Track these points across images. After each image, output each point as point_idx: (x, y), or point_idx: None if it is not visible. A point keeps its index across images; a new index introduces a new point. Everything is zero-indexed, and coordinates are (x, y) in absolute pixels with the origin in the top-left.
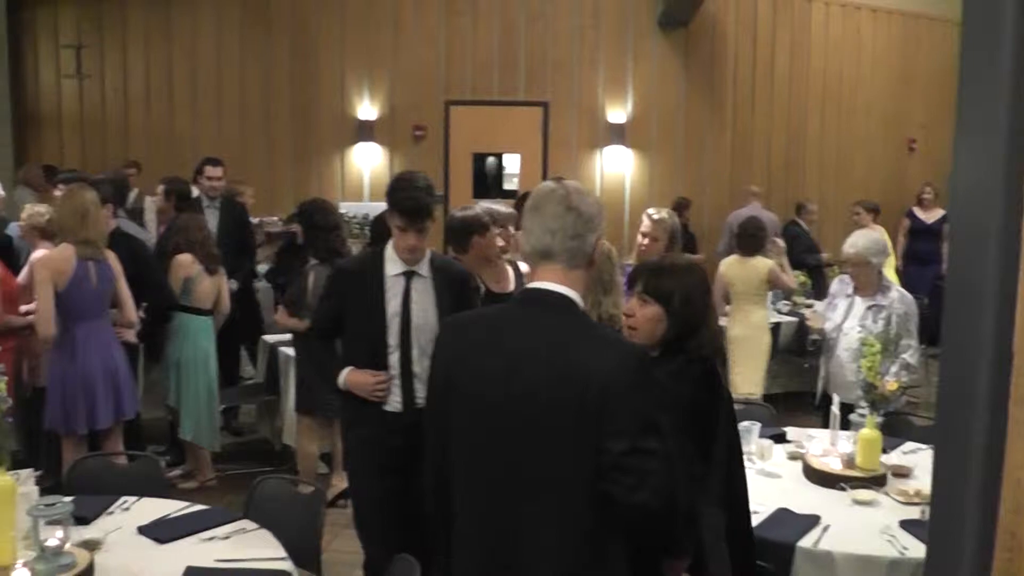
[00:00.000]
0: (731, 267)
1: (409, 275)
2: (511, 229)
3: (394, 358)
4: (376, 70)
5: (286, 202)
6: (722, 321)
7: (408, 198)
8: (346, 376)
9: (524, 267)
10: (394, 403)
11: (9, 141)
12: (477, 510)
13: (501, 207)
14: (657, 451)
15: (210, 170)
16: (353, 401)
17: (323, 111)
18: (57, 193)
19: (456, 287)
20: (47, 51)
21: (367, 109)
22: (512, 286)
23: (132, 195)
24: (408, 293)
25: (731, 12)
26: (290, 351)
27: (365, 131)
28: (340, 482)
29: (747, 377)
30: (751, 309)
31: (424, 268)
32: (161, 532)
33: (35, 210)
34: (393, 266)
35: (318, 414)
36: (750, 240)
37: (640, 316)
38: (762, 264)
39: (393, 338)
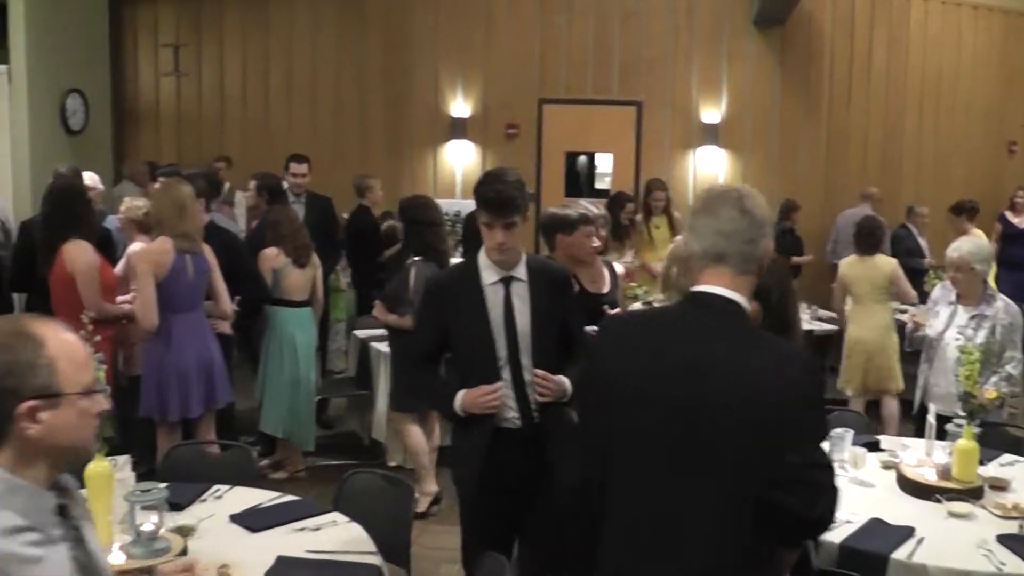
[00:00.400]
0: (852, 267)
1: (507, 281)
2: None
3: (505, 372)
4: (470, 67)
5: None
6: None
7: (492, 190)
8: (462, 400)
9: (620, 268)
10: (511, 419)
11: (109, 137)
12: (636, 510)
13: (593, 207)
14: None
15: (294, 167)
16: (464, 422)
17: (416, 108)
18: (155, 187)
19: (555, 289)
20: (146, 50)
21: (460, 106)
22: (607, 287)
23: (224, 189)
24: (509, 300)
25: (828, 9)
26: (382, 347)
27: (458, 128)
28: (429, 487)
29: (883, 375)
30: (875, 309)
31: (521, 271)
32: (253, 521)
33: (133, 204)
34: (489, 274)
35: (405, 410)
36: (868, 238)
37: None
38: (884, 263)
39: (502, 350)
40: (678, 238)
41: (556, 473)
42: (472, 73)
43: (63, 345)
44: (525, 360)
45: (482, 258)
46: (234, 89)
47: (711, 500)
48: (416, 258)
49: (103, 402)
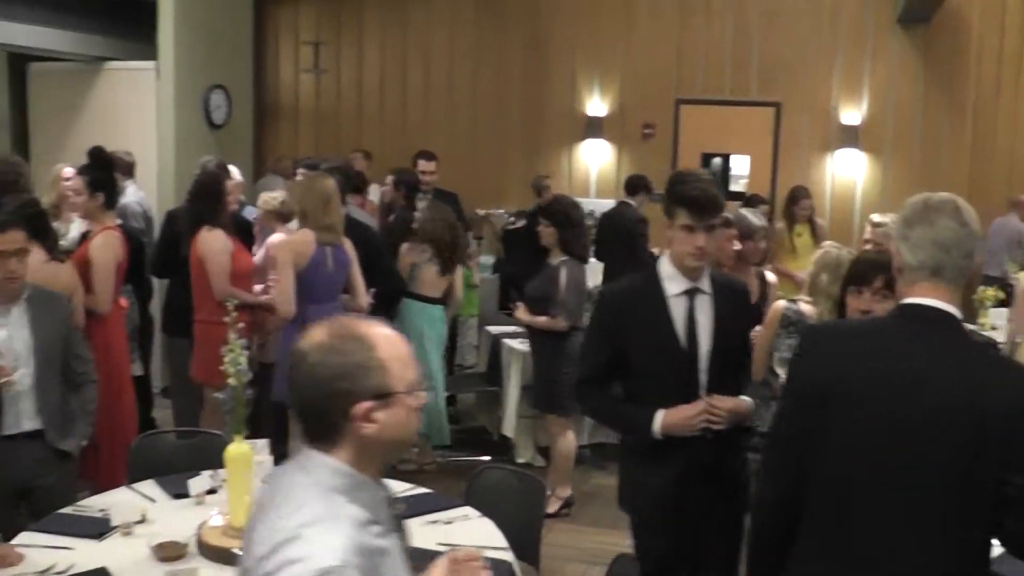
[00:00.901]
0: None
1: (692, 293)
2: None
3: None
4: (607, 66)
5: (514, 196)
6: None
7: (696, 188)
8: (663, 421)
9: (771, 277)
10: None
11: (250, 131)
12: (847, 524)
13: (755, 218)
14: None
15: (423, 164)
16: (657, 447)
17: (553, 106)
18: (297, 179)
19: (738, 305)
20: (287, 47)
21: (597, 105)
22: (756, 296)
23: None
24: (692, 314)
25: (976, 5)
26: (514, 343)
27: (594, 127)
28: (563, 491)
29: None
30: None
31: (705, 283)
32: None
33: (270, 195)
34: (674, 284)
35: (560, 413)
36: None
37: (882, 312)
38: None
39: (703, 362)
40: (826, 244)
41: (740, 498)
42: (610, 72)
43: (391, 346)
44: (703, 379)
45: (665, 267)
46: (372, 86)
47: (930, 514)
48: (564, 258)
49: (423, 397)
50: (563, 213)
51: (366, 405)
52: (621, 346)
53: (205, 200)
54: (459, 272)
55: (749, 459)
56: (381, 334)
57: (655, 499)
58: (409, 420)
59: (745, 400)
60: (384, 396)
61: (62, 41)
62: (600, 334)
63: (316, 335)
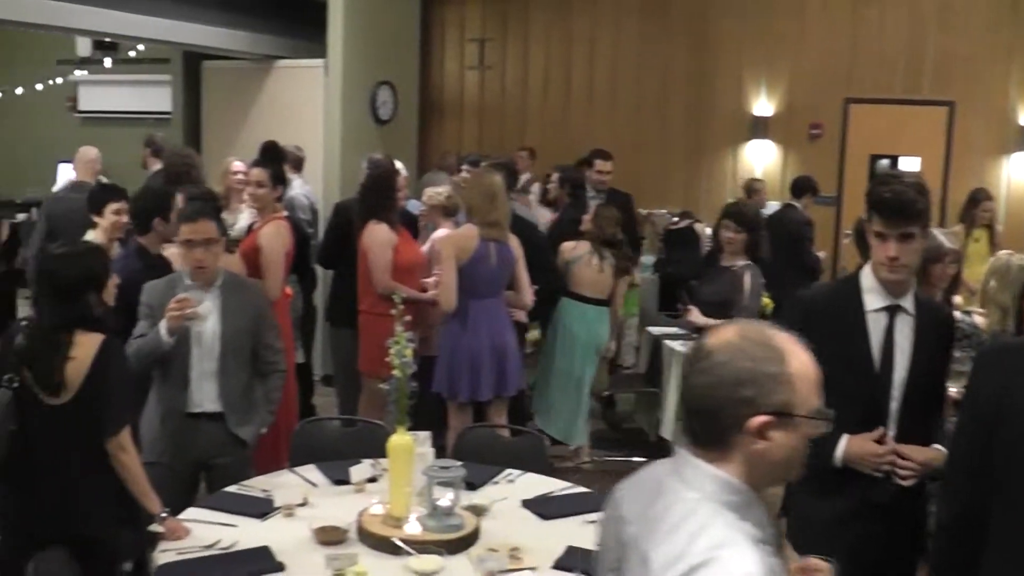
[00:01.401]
0: None
1: (893, 310)
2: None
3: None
4: (775, 64)
5: (675, 196)
6: None
7: (889, 189)
8: (845, 448)
9: (958, 313)
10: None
11: (415, 127)
12: None
13: (945, 239)
14: None
15: (600, 164)
16: (831, 477)
17: (718, 106)
18: (463, 175)
19: (941, 332)
20: (453, 44)
21: (763, 105)
22: None
23: (524, 179)
24: (891, 335)
25: None
26: (675, 345)
27: (759, 128)
28: None
29: None
30: None
31: (908, 301)
32: (545, 508)
33: (435, 190)
34: (874, 298)
35: None
36: None
37: None
38: None
39: (896, 389)
40: (1001, 252)
41: (917, 544)
42: (777, 70)
43: (802, 364)
44: (893, 407)
45: (866, 277)
46: (536, 84)
47: None
48: (747, 262)
49: (822, 428)
50: (755, 217)
51: (763, 419)
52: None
53: (376, 194)
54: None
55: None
56: (794, 349)
57: (818, 537)
58: (799, 449)
59: (938, 451)
60: (785, 415)
61: (235, 41)
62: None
63: (725, 333)
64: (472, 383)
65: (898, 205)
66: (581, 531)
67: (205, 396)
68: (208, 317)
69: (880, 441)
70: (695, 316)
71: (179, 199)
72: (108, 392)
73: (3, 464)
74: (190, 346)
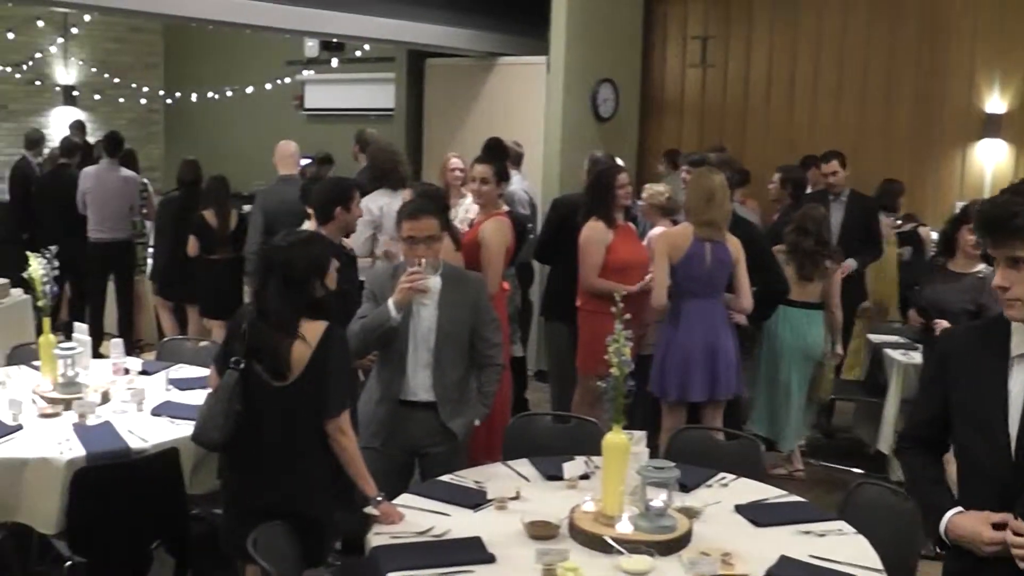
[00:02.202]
0: None
1: None
2: None
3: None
4: (1011, 57)
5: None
6: None
7: (988, 202)
8: (949, 522)
9: None
10: None
11: (635, 125)
12: None
13: None
14: None
15: (833, 164)
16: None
17: (948, 103)
18: (683, 175)
19: None
20: (675, 42)
21: (996, 102)
22: None
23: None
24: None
25: None
26: (896, 354)
27: (991, 126)
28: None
29: None
30: None
31: None
32: (758, 515)
33: (654, 189)
34: (1019, 339)
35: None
36: None
37: None
38: None
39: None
40: None
41: None
42: (1014, 64)
43: None
44: None
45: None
46: (759, 82)
47: None
48: (987, 268)
49: None
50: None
51: None
52: (949, 399)
53: (598, 192)
54: (834, 276)
55: None
56: None
57: None
58: None
59: None
60: None
61: (459, 39)
62: (932, 381)
63: None
64: (682, 383)
65: (991, 219)
66: (795, 541)
67: (419, 385)
68: (435, 293)
69: (1001, 526)
70: (912, 317)
71: (407, 195)
72: (329, 376)
73: (230, 441)
74: (408, 334)
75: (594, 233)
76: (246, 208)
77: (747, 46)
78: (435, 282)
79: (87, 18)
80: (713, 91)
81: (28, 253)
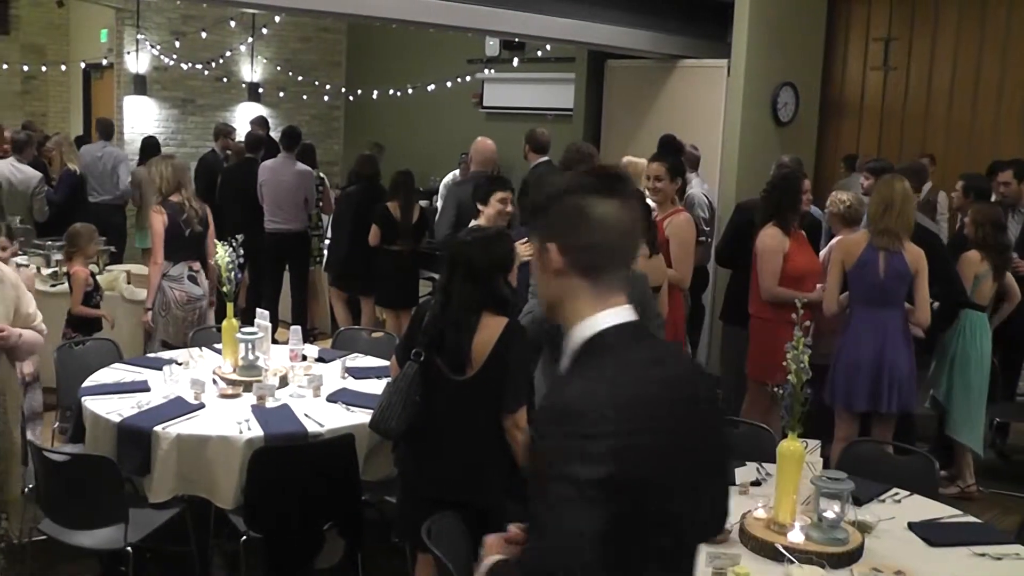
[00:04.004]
0: None
1: None
2: None
3: None
4: None
5: None
6: None
7: None
8: None
9: None
10: None
11: (815, 129)
12: None
13: None
14: None
15: (1002, 175)
16: None
17: None
18: (863, 181)
19: None
20: (857, 44)
21: None
22: None
23: (926, 188)
24: None
25: None
26: None
27: None
28: None
29: None
30: None
31: None
32: (933, 534)
33: (837, 197)
34: None
35: None
36: None
37: None
38: None
39: None
40: None
41: None
42: None
43: None
44: None
45: None
46: (942, 85)
47: None
48: None
49: None
50: None
51: None
52: None
53: (780, 196)
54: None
55: None
56: None
57: None
58: None
59: None
60: None
61: (640, 40)
62: None
63: None
64: (848, 391)
65: None
66: (970, 563)
67: None
68: None
69: None
70: None
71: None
72: (509, 371)
73: (407, 431)
74: None
75: (772, 241)
76: (423, 203)
77: (931, 48)
78: None
79: (277, 19)
80: (894, 94)
81: (215, 241)
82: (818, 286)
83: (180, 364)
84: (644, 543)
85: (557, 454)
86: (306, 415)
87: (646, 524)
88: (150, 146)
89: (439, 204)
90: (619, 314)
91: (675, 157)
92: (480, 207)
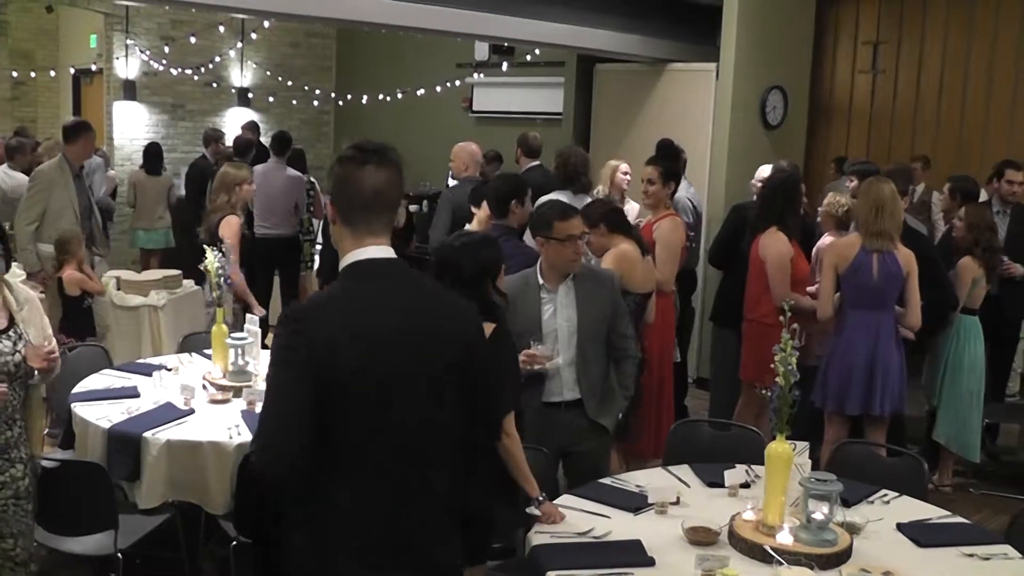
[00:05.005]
0: None
1: None
2: None
3: None
4: None
5: None
6: None
7: None
8: None
9: None
10: None
11: (803, 132)
12: None
13: None
14: None
15: (1011, 174)
16: None
17: None
18: (848, 183)
19: None
20: (845, 47)
21: None
22: None
23: (920, 189)
24: None
25: None
26: None
27: None
28: None
29: None
30: None
31: None
32: (921, 535)
33: (836, 200)
34: None
35: None
36: None
37: None
38: None
39: None
40: None
41: None
42: None
43: None
44: None
45: None
46: (930, 88)
47: None
48: None
49: None
50: None
51: None
52: None
53: (779, 200)
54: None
55: None
56: None
57: None
58: None
59: None
60: None
61: (630, 44)
62: None
63: None
64: (840, 394)
65: None
66: (959, 563)
67: (564, 385)
68: (572, 295)
69: None
70: None
71: None
72: (497, 377)
73: None
74: (551, 336)
75: (781, 246)
76: (412, 208)
77: (919, 51)
78: (555, 364)
79: (266, 24)
80: (882, 97)
81: (205, 246)
82: (808, 289)
83: (170, 370)
84: (351, 444)
85: (274, 347)
86: None
87: (349, 425)
88: (153, 153)
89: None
90: (369, 251)
91: (670, 162)
92: (475, 210)
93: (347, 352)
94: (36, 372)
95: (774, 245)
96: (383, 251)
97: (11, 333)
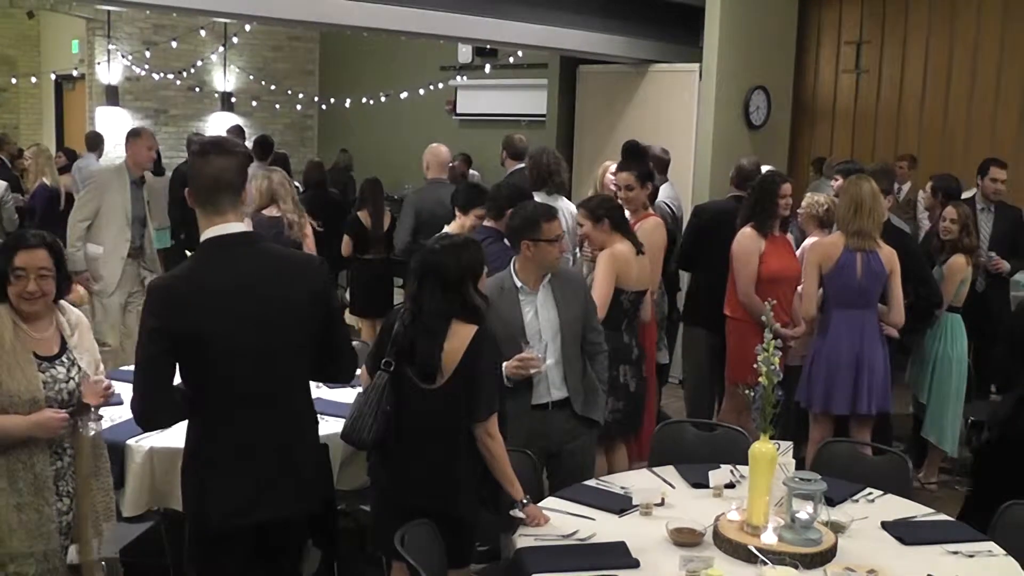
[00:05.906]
0: None
1: None
2: None
3: None
4: None
5: None
6: None
7: None
8: None
9: None
10: None
11: (787, 132)
12: None
13: None
14: None
15: (995, 171)
16: None
17: None
18: (833, 183)
19: None
20: (829, 47)
21: None
22: None
23: (905, 188)
24: None
25: None
26: None
27: None
28: None
29: None
30: None
31: None
32: (905, 533)
33: (814, 199)
34: None
35: None
36: None
37: None
38: None
39: None
40: None
41: None
42: None
43: None
44: None
45: None
46: (913, 88)
47: None
48: None
49: None
50: None
51: None
52: None
53: (758, 199)
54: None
55: None
56: None
57: None
58: None
59: None
60: None
61: (613, 45)
62: None
63: None
64: (826, 394)
65: None
66: (943, 561)
67: (551, 386)
68: (550, 295)
69: None
70: None
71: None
72: (479, 380)
73: (379, 441)
74: (536, 337)
75: (748, 242)
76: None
77: (902, 50)
78: (546, 365)
79: (248, 28)
80: (866, 97)
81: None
82: (798, 288)
83: None
84: (216, 387)
85: (143, 313)
86: None
87: (212, 372)
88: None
89: None
90: (217, 229)
91: (642, 164)
92: (459, 214)
93: (198, 306)
94: (92, 409)
95: (740, 241)
96: (232, 227)
97: (64, 359)
